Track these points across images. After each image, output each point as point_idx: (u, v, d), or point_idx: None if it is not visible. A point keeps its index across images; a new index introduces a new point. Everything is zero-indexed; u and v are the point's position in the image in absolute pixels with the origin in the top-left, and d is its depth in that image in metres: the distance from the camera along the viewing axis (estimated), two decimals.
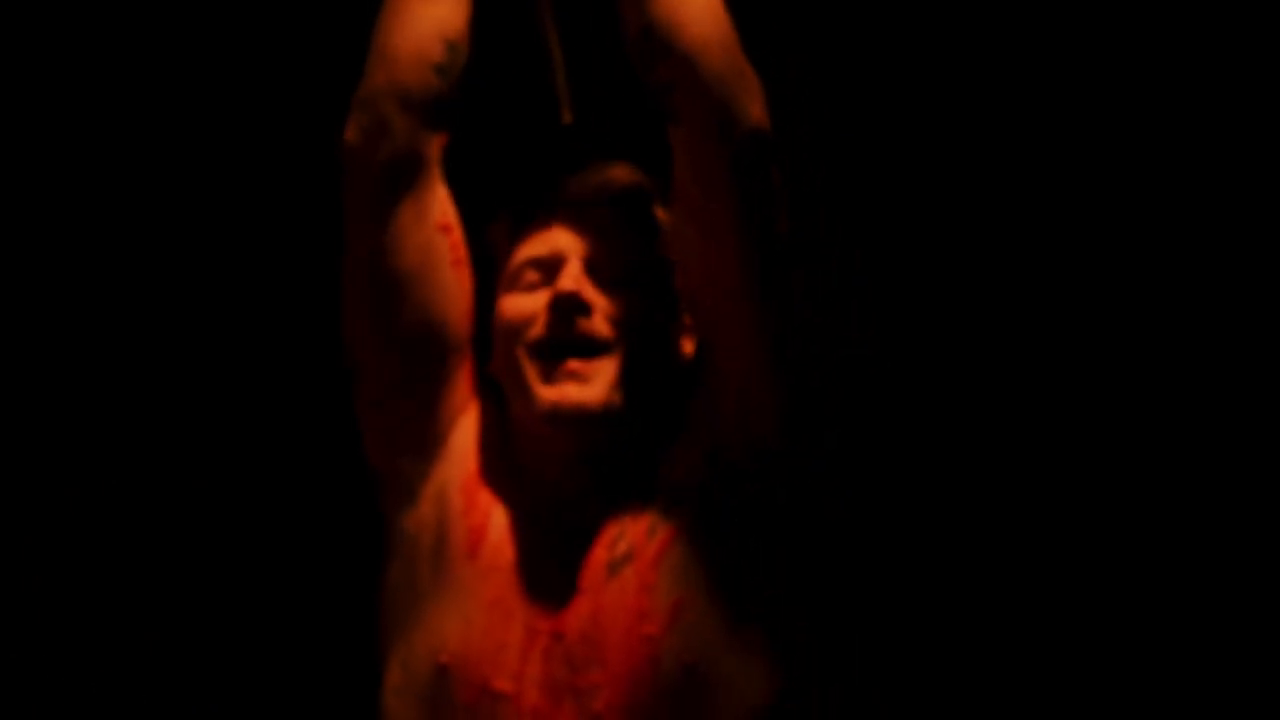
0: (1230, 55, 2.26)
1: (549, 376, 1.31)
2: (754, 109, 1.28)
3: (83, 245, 2.29)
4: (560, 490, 1.34)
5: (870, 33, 2.29)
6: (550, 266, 1.35)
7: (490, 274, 1.42)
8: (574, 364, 1.31)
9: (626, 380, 1.32)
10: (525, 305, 1.34)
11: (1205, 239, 2.28)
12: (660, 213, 1.40)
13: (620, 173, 1.41)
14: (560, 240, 1.36)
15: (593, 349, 1.31)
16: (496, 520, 1.33)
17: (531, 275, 1.36)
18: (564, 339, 1.31)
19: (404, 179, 1.34)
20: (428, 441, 1.37)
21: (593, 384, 1.30)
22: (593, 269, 1.35)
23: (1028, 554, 2.26)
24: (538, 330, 1.32)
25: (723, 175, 1.27)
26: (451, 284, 1.37)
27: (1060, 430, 2.28)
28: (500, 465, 1.37)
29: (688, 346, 1.39)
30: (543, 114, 1.47)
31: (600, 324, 1.32)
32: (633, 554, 1.29)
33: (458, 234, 1.39)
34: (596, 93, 1.51)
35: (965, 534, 2.27)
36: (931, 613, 2.26)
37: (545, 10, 1.44)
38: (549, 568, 1.31)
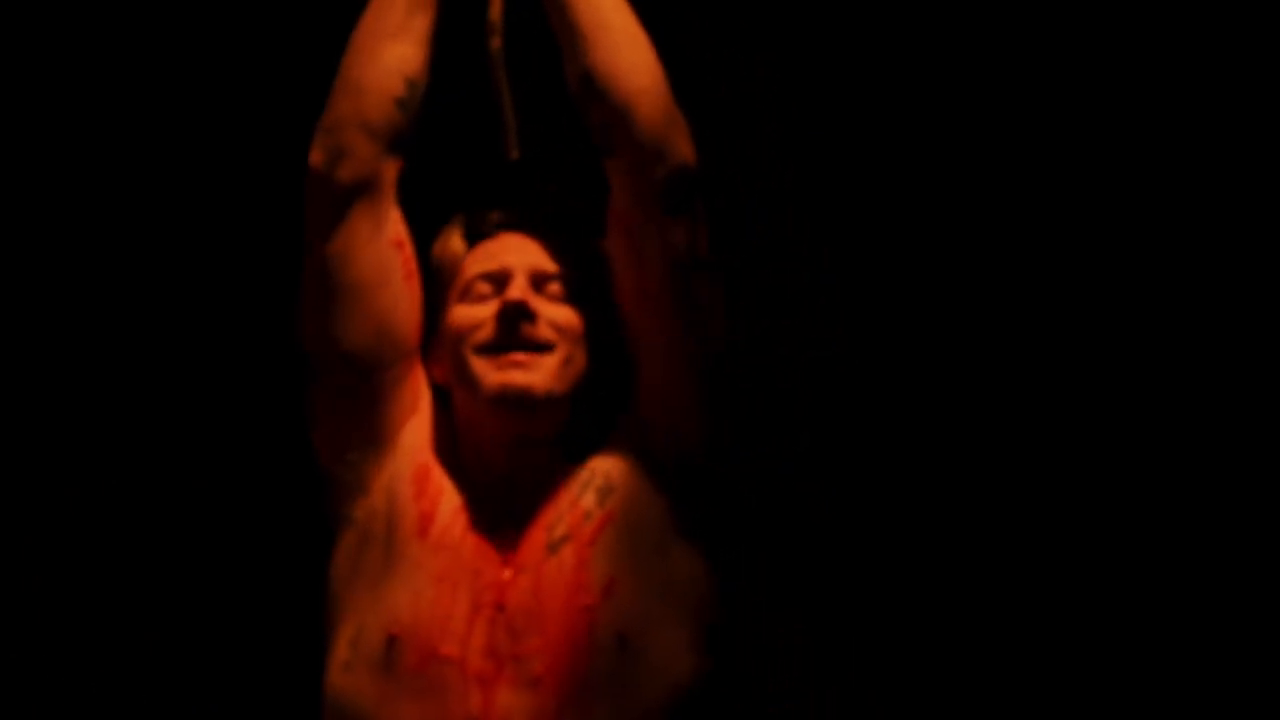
0: (1202, 50, 2.30)
1: (497, 366, 1.44)
2: (682, 147, 1.45)
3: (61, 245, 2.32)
4: (503, 477, 1.47)
5: (838, 33, 2.35)
6: (499, 280, 1.49)
7: (435, 287, 1.55)
8: (519, 356, 1.44)
9: (565, 377, 1.46)
10: (475, 314, 1.47)
11: (1170, 236, 2.31)
12: (591, 237, 1.54)
13: (552, 199, 1.58)
14: (508, 258, 1.50)
15: (537, 348, 1.45)
16: (445, 505, 1.45)
17: (482, 287, 1.49)
18: (511, 342, 1.44)
19: (362, 199, 1.47)
20: (380, 438, 1.49)
21: (536, 372, 1.44)
22: (536, 283, 1.49)
23: (998, 550, 2.29)
24: (486, 333, 1.45)
25: (652, 204, 1.44)
26: (403, 295, 1.50)
27: (1031, 427, 2.31)
28: (448, 458, 1.49)
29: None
30: (491, 148, 1.60)
31: (544, 329, 1.46)
32: (570, 535, 1.42)
33: (409, 250, 1.52)
34: (540, 129, 1.63)
35: (936, 531, 2.30)
36: (907, 613, 2.28)
37: (496, 55, 1.58)
38: (492, 547, 1.42)
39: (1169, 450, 2.27)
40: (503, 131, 1.59)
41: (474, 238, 1.54)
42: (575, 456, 1.50)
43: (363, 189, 1.47)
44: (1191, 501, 2.25)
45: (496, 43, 1.57)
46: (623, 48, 1.45)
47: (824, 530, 2.27)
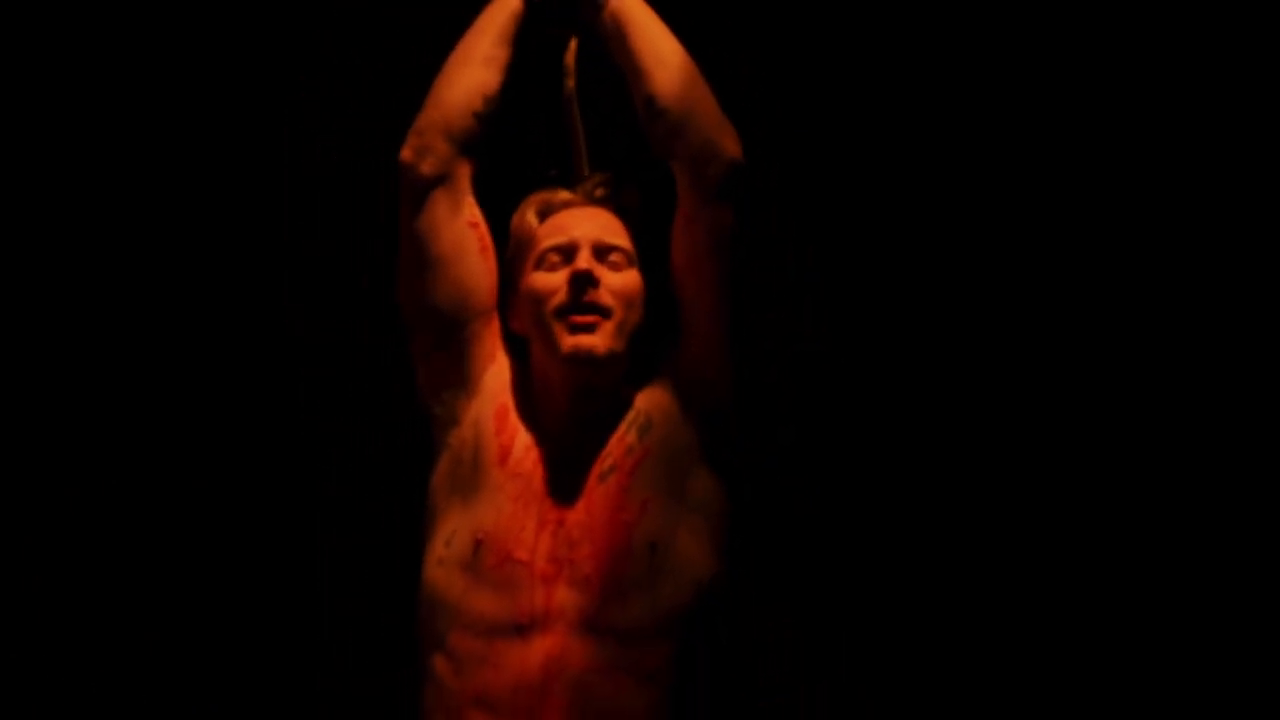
0: (1177, 51, 2.43)
1: (569, 329, 1.77)
2: (730, 147, 1.79)
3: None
4: (569, 419, 1.80)
5: (821, 35, 2.50)
6: (568, 252, 1.81)
7: (513, 256, 1.85)
8: (587, 318, 1.77)
9: (623, 336, 1.79)
10: (550, 280, 1.80)
11: (1140, 238, 2.43)
12: (638, 209, 1.86)
13: (612, 180, 1.89)
14: (575, 231, 1.82)
15: (600, 312, 1.77)
16: (520, 440, 1.80)
17: (554, 258, 1.81)
18: (580, 304, 1.77)
19: (440, 188, 1.82)
20: (467, 381, 1.83)
21: (599, 335, 1.77)
22: (599, 253, 1.81)
23: (984, 543, 2.44)
24: (560, 298, 1.78)
25: (709, 194, 1.77)
26: (479, 265, 1.84)
27: (1015, 423, 2.45)
28: (524, 401, 1.83)
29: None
30: (564, 169, 1.92)
31: (605, 295, 1.78)
32: (616, 466, 1.77)
33: (484, 229, 1.86)
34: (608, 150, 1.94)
35: (919, 525, 2.45)
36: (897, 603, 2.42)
37: (570, 93, 1.92)
38: (557, 476, 1.77)
39: (1150, 443, 2.40)
40: (574, 158, 1.92)
41: (545, 214, 1.87)
42: (630, 398, 1.81)
43: (441, 180, 1.81)
44: (1175, 500, 2.37)
45: (571, 83, 1.92)
46: (676, 75, 1.79)
47: (809, 524, 2.43)
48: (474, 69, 1.84)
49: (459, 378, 1.84)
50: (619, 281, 1.80)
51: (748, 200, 1.79)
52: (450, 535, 1.76)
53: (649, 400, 1.82)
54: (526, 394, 1.84)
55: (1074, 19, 2.45)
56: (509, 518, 1.74)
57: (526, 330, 1.84)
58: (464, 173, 1.84)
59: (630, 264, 1.82)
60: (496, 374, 1.85)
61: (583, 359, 1.76)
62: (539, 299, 1.80)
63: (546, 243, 1.83)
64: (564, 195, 1.88)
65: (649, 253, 1.86)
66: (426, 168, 1.82)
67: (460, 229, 1.83)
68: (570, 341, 1.76)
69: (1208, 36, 2.43)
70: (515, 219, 1.89)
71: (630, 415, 1.81)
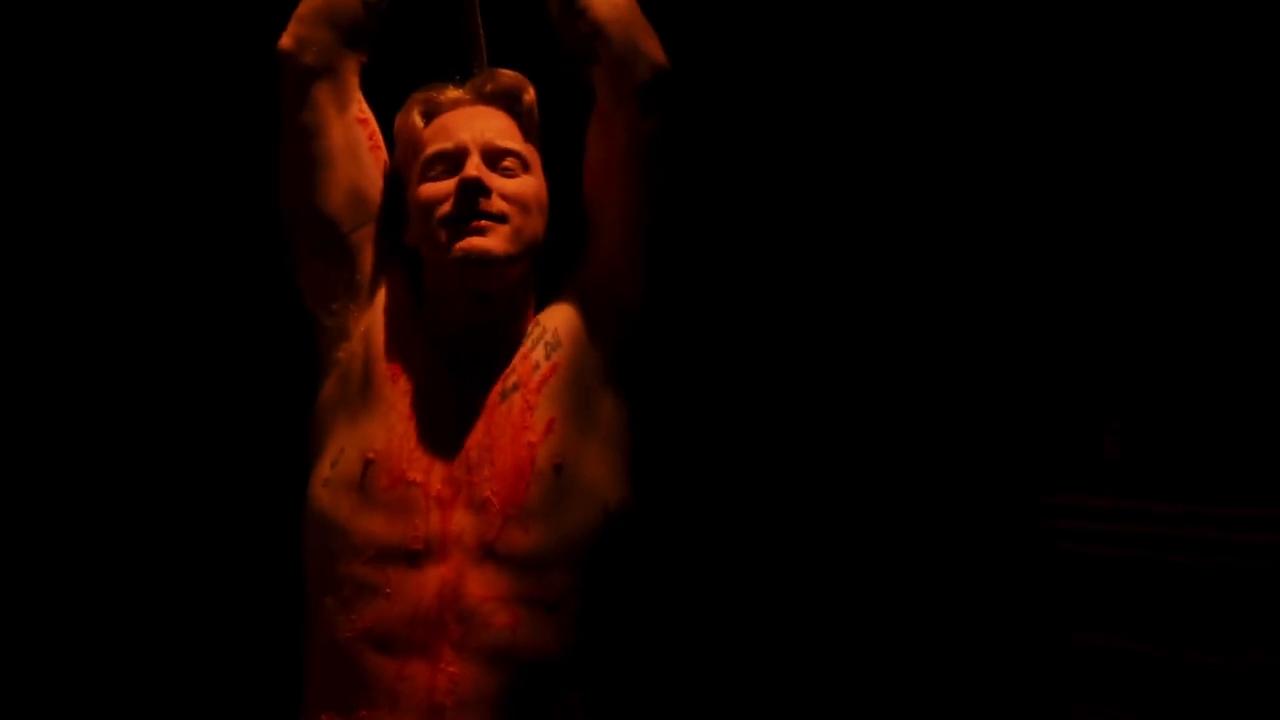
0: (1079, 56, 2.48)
1: (459, 234, 1.64)
2: (654, 51, 1.68)
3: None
4: (466, 330, 1.68)
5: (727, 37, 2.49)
6: (455, 158, 1.68)
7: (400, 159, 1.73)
8: (478, 224, 1.64)
9: (520, 242, 1.67)
10: (437, 189, 1.68)
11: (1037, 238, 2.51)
12: (535, 108, 1.74)
13: (507, 75, 1.76)
14: (463, 134, 1.69)
15: (494, 219, 1.65)
16: (415, 355, 1.68)
17: (440, 166, 1.69)
18: (470, 213, 1.65)
19: (324, 80, 1.69)
20: (357, 290, 1.71)
21: (492, 237, 1.65)
22: (490, 159, 1.68)
23: (892, 470, 2.51)
24: (448, 207, 1.66)
25: (632, 99, 1.66)
26: (368, 163, 1.72)
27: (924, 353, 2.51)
28: (418, 315, 1.71)
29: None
30: (460, 61, 1.79)
31: (497, 202, 1.66)
32: (520, 384, 1.66)
33: (374, 126, 1.73)
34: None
35: (830, 452, 2.51)
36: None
37: None
38: (454, 391, 1.66)
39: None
40: (473, 56, 1.79)
41: (430, 115, 1.74)
42: (532, 311, 1.71)
43: (325, 72, 1.69)
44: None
45: None
46: None
47: (720, 450, 2.45)
48: None
49: (349, 287, 1.72)
50: (513, 188, 1.68)
51: (672, 111, 1.69)
52: (338, 455, 1.65)
53: (556, 317, 1.72)
54: (419, 309, 1.73)
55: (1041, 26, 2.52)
56: (401, 437, 1.64)
57: (418, 242, 1.72)
58: (351, 66, 1.72)
59: (526, 170, 1.71)
60: (391, 284, 1.73)
61: (475, 259, 1.65)
62: (427, 209, 1.68)
63: (432, 148, 1.71)
64: (451, 93, 1.75)
65: (552, 159, 1.75)
66: (309, 58, 1.69)
67: (348, 125, 1.71)
68: (460, 245, 1.65)
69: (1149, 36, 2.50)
70: (399, 120, 1.76)
71: (536, 332, 1.71)
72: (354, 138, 1.71)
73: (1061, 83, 2.52)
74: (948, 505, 2.55)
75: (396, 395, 1.66)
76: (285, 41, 1.69)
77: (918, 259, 2.59)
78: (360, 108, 1.72)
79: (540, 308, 1.73)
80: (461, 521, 1.60)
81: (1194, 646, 2.22)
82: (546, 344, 1.69)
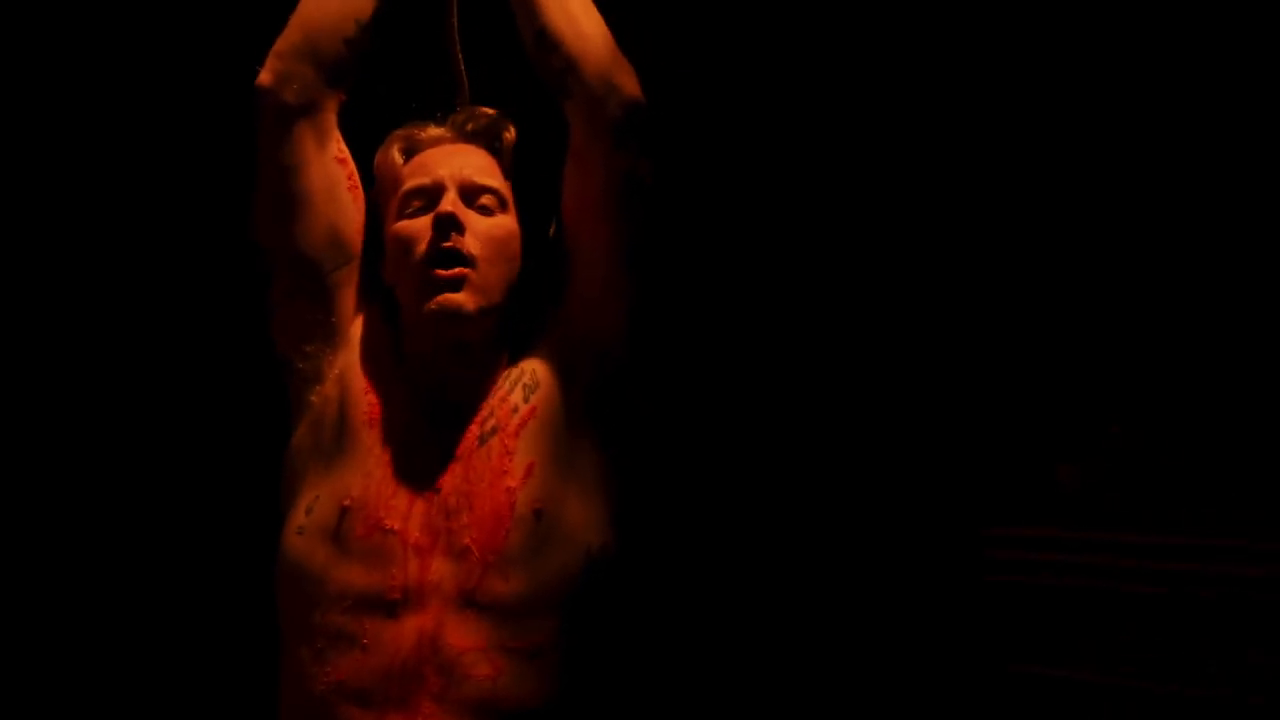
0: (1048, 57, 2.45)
1: (434, 286, 1.60)
2: (629, 85, 1.65)
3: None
4: (443, 376, 1.64)
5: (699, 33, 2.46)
6: (432, 194, 1.65)
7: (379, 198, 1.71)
8: (451, 272, 1.60)
9: (493, 290, 1.63)
10: (413, 227, 1.64)
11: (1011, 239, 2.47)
12: (513, 145, 1.72)
13: (488, 114, 1.73)
14: (440, 171, 1.67)
15: (464, 262, 1.61)
16: (392, 399, 1.64)
17: (417, 202, 1.66)
18: (441, 253, 1.61)
19: (304, 119, 1.65)
20: (332, 332, 1.67)
21: (466, 292, 1.61)
22: (468, 196, 1.66)
23: (885, 524, 2.46)
24: (423, 246, 1.62)
25: (605, 134, 1.63)
26: (348, 205, 1.68)
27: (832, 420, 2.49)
28: (394, 356, 1.67)
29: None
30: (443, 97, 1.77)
31: (471, 243, 1.62)
32: (499, 428, 1.62)
33: (352, 166, 1.70)
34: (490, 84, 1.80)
35: (816, 497, 2.47)
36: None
37: (451, 13, 1.76)
38: (433, 437, 1.62)
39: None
40: (456, 96, 1.77)
41: (410, 152, 1.71)
42: (512, 355, 1.68)
43: (305, 110, 1.65)
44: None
45: (453, 11, 1.77)
46: (570, 5, 1.65)
47: (703, 493, 2.42)
48: None
49: (325, 329, 1.68)
50: (487, 227, 1.65)
51: (648, 147, 1.66)
52: (312, 502, 1.60)
53: (535, 359, 1.68)
54: (396, 349, 1.68)
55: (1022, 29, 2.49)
56: (379, 483, 1.60)
57: (394, 281, 1.68)
58: (331, 105, 1.68)
59: (503, 208, 1.68)
60: (367, 324, 1.69)
61: (448, 316, 1.62)
62: (403, 248, 1.65)
63: (410, 183, 1.68)
64: (432, 130, 1.72)
65: (530, 198, 1.72)
66: (289, 95, 1.65)
67: (327, 164, 1.67)
68: (435, 300, 1.61)
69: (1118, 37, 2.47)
70: (379, 157, 1.73)
71: (514, 374, 1.67)
72: (333, 177, 1.67)
73: (1058, 91, 2.49)
74: (899, 538, 2.53)
75: (372, 440, 1.62)
76: (264, 78, 1.65)
77: (869, 293, 2.58)
78: (339, 147, 1.69)
79: (519, 346, 1.69)
80: (440, 570, 1.56)
81: (1148, 677, 2.20)
82: (525, 386, 1.65)
